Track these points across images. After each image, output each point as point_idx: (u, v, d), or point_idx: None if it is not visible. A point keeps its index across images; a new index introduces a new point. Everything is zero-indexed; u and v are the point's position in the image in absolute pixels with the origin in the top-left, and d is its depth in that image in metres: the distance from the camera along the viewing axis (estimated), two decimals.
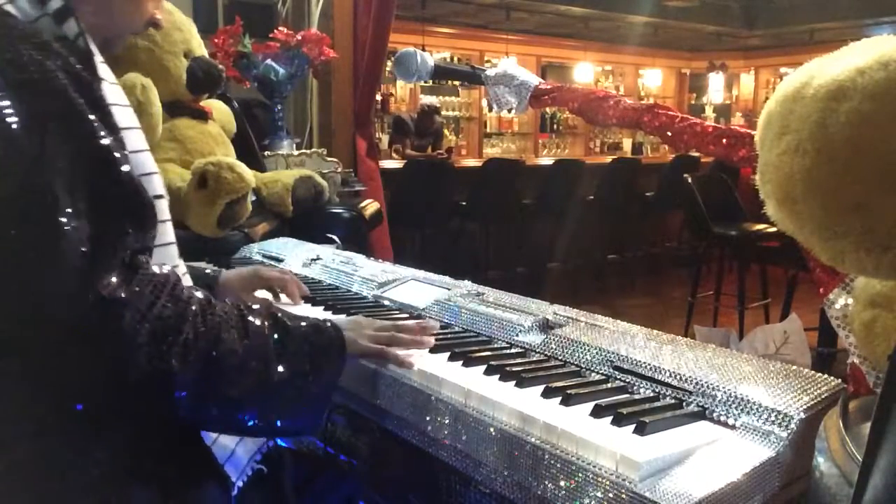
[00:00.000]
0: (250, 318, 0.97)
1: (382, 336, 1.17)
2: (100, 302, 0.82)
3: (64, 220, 0.81)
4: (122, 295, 0.83)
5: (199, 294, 0.95)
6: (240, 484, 1.15)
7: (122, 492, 0.91)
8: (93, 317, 0.82)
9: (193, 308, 0.91)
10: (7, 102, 0.82)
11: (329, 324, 1.08)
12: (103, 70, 1.01)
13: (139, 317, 0.84)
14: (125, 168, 0.90)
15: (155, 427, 0.94)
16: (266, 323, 0.99)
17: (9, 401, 0.86)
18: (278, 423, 0.99)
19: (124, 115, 1.02)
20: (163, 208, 1.07)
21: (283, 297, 1.55)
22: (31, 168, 0.82)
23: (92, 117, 0.88)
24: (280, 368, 0.97)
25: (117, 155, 0.90)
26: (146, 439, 0.93)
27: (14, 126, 0.82)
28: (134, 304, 0.84)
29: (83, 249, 0.82)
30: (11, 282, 0.81)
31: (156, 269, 0.91)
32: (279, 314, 1.03)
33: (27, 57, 0.84)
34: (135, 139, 1.04)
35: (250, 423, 0.97)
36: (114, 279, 0.83)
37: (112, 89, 1.01)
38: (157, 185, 1.08)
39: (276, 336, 0.99)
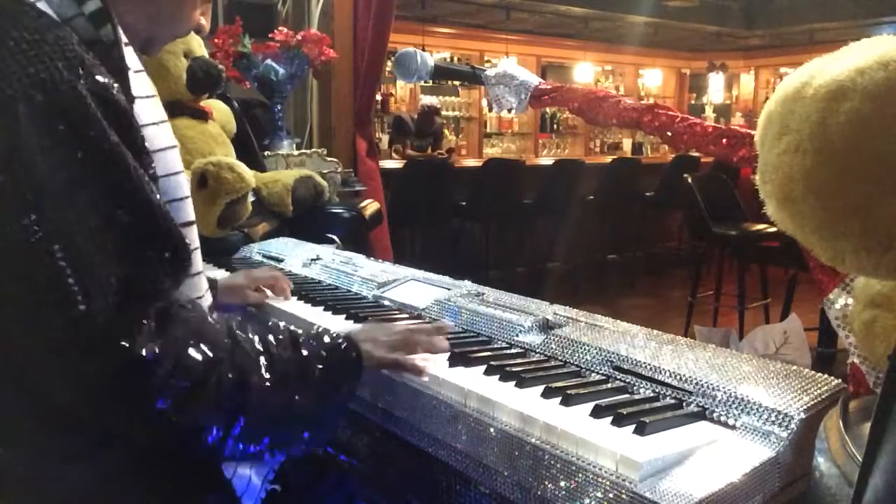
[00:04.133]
0: (274, 352, 0.95)
1: (397, 341, 1.15)
2: (127, 362, 0.77)
3: (85, 270, 0.76)
4: (151, 352, 0.78)
5: (225, 327, 0.92)
6: None
7: None
8: (118, 375, 0.77)
9: (222, 352, 0.87)
10: (33, 130, 0.76)
11: (345, 340, 1.06)
12: (131, 60, 0.93)
13: (165, 374, 0.79)
14: (157, 206, 0.85)
15: (176, 465, 0.93)
16: (288, 354, 0.97)
17: (19, 433, 0.87)
18: (303, 436, 0.99)
19: (160, 133, 0.96)
20: (193, 236, 1.03)
21: (270, 294, 1.64)
22: (50, 205, 0.76)
23: (122, 150, 0.81)
24: (303, 397, 0.96)
25: (149, 192, 0.84)
26: (167, 477, 0.93)
27: (36, 159, 0.76)
28: (161, 361, 0.79)
29: (108, 303, 0.76)
30: (34, 336, 0.77)
31: (182, 306, 0.86)
32: (300, 339, 1.01)
33: (57, 75, 0.78)
34: (171, 160, 0.99)
35: (271, 447, 0.96)
36: (142, 334, 0.78)
37: (140, 79, 0.94)
38: (189, 211, 1.03)
39: (297, 362, 0.97)
